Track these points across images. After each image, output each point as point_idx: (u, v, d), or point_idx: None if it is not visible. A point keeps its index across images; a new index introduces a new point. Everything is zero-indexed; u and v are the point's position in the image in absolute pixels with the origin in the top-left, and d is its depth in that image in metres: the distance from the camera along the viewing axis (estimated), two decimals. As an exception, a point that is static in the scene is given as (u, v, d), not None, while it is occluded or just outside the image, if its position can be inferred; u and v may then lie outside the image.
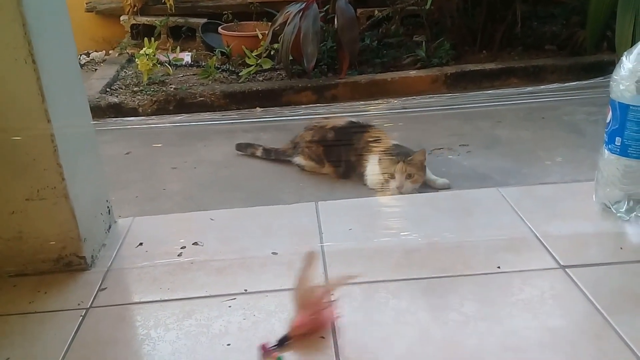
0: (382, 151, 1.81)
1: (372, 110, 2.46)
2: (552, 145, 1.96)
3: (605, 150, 1.21)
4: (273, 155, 2.11)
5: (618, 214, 1.22)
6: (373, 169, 1.80)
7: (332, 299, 0.96)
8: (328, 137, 1.95)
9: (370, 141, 1.88)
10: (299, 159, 2.02)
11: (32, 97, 1.01)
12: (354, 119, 2.02)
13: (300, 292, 0.96)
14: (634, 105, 1.14)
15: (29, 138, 1.04)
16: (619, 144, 1.17)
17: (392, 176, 1.74)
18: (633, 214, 1.20)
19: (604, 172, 1.23)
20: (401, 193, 1.71)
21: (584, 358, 0.85)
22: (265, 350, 0.88)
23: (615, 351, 0.86)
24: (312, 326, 0.93)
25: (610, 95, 1.18)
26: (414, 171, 1.71)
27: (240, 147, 2.22)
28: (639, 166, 1.17)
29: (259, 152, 2.14)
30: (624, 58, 1.16)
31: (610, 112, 1.19)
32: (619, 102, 1.16)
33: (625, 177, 1.19)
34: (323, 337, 0.92)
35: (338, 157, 1.93)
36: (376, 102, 2.66)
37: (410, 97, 2.64)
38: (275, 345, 0.89)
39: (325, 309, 0.94)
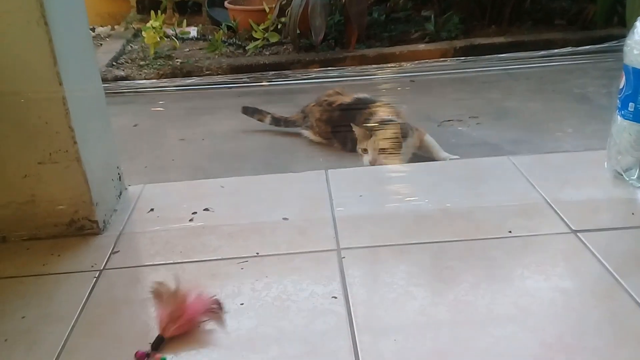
0: (370, 126, 1.78)
1: (380, 75, 2.44)
2: (562, 117, 1.95)
3: (618, 117, 1.21)
4: (282, 124, 2.09)
5: (630, 181, 1.21)
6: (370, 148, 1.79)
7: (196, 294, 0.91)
8: (334, 117, 1.94)
9: (368, 117, 1.87)
10: (308, 133, 2.02)
11: (44, 60, 1.01)
12: (361, 95, 2.00)
13: (159, 294, 0.91)
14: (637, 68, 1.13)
15: (41, 101, 1.04)
16: (632, 110, 1.16)
17: (366, 150, 1.72)
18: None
19: (616, 138, 1.22)
20: (377, 164, 1.69)
21: (596, 317, 0.85)
22: (140, 356, 0.82)
23: (626, 310, 0.86)
24: (182, 322, 0.86)
25: (623, 60, 1.17)
26: (387, 145, 1.69)
27: (247, 111, 2.17)
28: (630, 127, 1.16)
29: (267, 120, 2.12)
30: (638, 23, 1.15)
31: (624, 77, 1.18)
32: (632, 67, 1.15)
33: (638, 143, 1.18)
34: (218, 314, 0.89)
35: (344, 134, 1.92)
36: (387, 65, 2.63)
37: (422, 61, 2.61)
38: (150, 351, 0.83)
39: (188, 302, 0.89)
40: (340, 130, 1.90)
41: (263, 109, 2.16)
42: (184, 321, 0.87)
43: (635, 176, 1.21)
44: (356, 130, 1.76)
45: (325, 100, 2.02)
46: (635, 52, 1.13)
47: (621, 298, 0.89)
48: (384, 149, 1.69)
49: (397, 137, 1.70)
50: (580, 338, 0.81)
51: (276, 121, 2.11)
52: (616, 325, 0.84)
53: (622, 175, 1.23)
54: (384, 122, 1.77)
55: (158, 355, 0.83)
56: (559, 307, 0.88)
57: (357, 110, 1.92)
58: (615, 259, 0.98)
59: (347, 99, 1.98)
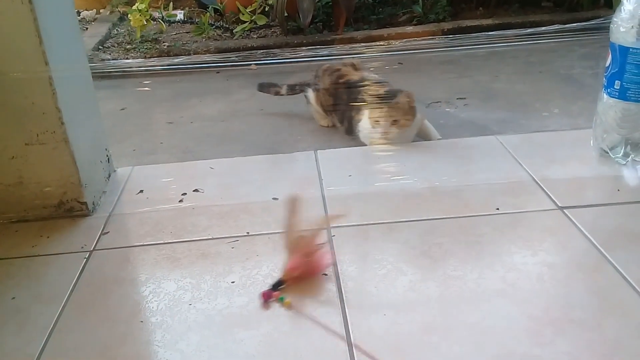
0: (372, 101, 1.71)
1: (369, 53, 2.43)
2: (549, 98, 1.96)
3: (604, 95, 1.22)
4: (298, 89, 2.05)
5: (615, 159, 1.23)
6: (363, 122, 1.76)
7: (323, 242, 0.97)
8: (339, 91, 1.90)
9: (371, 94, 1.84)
10: (311, 96, 1.98)
11: (29, 39, 1.00)
12: (371, 75, 1.95)
13: (290, 237, 0.96)
14: (634, 48, 1.13)
15: (27, 81, 1.04)
16: (618, 88, 1.18)
17: (378, 122, 1.60)
18: (630, 158, 1.22)
19: (602, 117, 1.24)
20: (389, 140, 1.64)
21: (582, 290, 0.87)
22: (265, 295, 0.89)
23: (612, 283, 0.88)
24: (305, 269, 0.93)
25: (610, 38, 1.18)
26: (400, 116, 1.57)
27: (263, 87, 2.13)
28: (637, 109, 1.17)
29: (283, 90, 2.10)
30: (624, 1, 1.16)
31: (610, 55, 1.19)
32: (619, 45, 1.16)
33: (624, 121, 1.20)
34: (326, 274, 0.93)
35: (342, 113, 1.90)
36: (376, 44, 2.62)
37: (410, 39, 2.60)
38: (271, 289, 0.90)
39: (317, 251, 0.95)
40: (341, 107, 1.86)
41: (277, 82, 2.13)
42: (305, 271, 0.92)
43: (621, 154, 1.22)
44: (368, 98, 1.67)
45: (338, 70, 1.93)
46: (622, 29, 1.14)
47: (607, 271, 0.90)
48: (397, 120, 1.56)
49: (411, 105, 1.58)
50: (566, 311, 0.83)
51: (292, 88, 2.07)
52: (602, 298, 0.85)
53: (607, 153, 1.24)
54: (392, 92, 1.71)
55: (277, 294, 0.88)
56: (546, 282, 0.89)
57: (360, 89, 1.88)
58: (601, 234, 0.99)
59: (355, 76, 1.92)
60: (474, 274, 0.91)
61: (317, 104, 1.94)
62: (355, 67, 1.94)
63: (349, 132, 1.86)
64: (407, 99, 1.56)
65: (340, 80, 1.88)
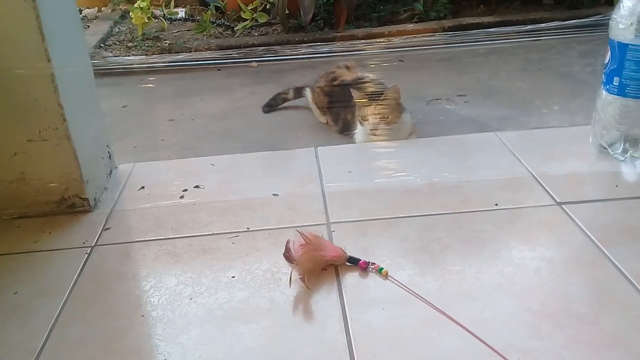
0: (371, 92, 1.71)
1: (369, 50, 2.44)
2: (549, 95, 1.97)
3: (603, 91, 1.22)
4: (304, 93, 2.10)
5: (614, 155, 1.23)
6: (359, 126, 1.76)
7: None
8: (334, 92, 1.93)
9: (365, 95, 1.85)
10: (309, 95, 2.02)
11: (31, 36, 1.00)
12: (365, 75, 1.97)
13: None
14: (632, 45, 1.14)
15: (29, 78, 1.04)
16: (617, 84, 1.18)
17: (366, 119, 1.63)
18: (628, 154, 1.22)
19: (601, 113, 1.24)
20: (379, 137, 1.61)
21: (580, 285, 0.88)
22: (364, 265, 0.92)
23: (609, 278, 0.88)
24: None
25: (609, 35, 1.18)
26: (387, 112, 1.59)
27: (269, 106, 2.14)
28: (636, 106, 1.18)
29: (290, 94, 2.13)
30: (624, -2, 1.16)
31: (609, 52, 1.19)
32: (617, 42, 1.16)
33: (622, 118, 1.20)
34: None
35: (337, 114, 1.92)
36: (376, 41, 2.63)
37: (410, 36, 2.61)
38: (360, 261, 0.93)
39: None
40: (335, 106, 1.89)
41: (280, 91, 2.15)
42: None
43: (620, 150, 1.23)
44: (356, 95, 1.68)
45: (333, 72, 2.00)
46: (621, 26, 1.14)
47: (604, 266, 0.91)
48: (385, 116, 1.60)
49: (398, 102, 1.62)
50: (564, 305, 0.83)
51: (299, 91, 2.11)
52: (599, 292, 0.86)
53: (606, 149, 1.25)
54: (376, 86, 1.72)
55: (377, 265, 0.92)
56: (544, 276, 0.90)
57: (356, 88, 1.91)
58: (599, 229, 1.00)
59: (348, 77, 1.95)
60: (473, 269, 0.92)
61: (314, 102, 1.99)
62: (348, 69, 1.96)
63: (342, 132, 1.88)
64: (394, 95, 1.58)
65: (335, 82, 1.92)
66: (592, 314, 0.82)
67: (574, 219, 1.03)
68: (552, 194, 1.11)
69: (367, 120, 1.61)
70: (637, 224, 1.01)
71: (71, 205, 1.16)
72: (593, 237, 0.98)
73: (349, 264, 0.94)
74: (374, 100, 1.62)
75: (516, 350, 0.76)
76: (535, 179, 1.17)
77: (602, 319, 0.80)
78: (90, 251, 1.04)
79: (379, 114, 1.58)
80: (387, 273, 0.91)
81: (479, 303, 0.85)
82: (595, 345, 0.76)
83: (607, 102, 1.22)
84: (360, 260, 0.93)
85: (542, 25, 2.60)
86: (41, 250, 1.05)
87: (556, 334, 0.78)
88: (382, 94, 1.61)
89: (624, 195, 1.10)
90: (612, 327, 0.79)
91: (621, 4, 1.15)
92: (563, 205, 1.08)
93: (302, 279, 0.90)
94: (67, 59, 1.10)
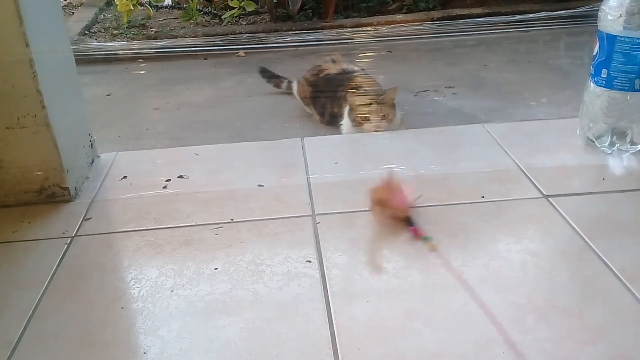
0: (355, 95, 1.75)
1: (357, 39, 2.42)
2: (537, 87, 1.97)
3: (591, 83, 1.22)
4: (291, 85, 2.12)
5: (601, 148, 1.23)
6: (346, 118, 1.76)
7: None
8: (318, 84, 1.93)
9: (351, 89, 1.85)
10: (295, 87, 2.02)
11: (9, 20, 0.98)
12: (346, 66, 1.99)
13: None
14: (621, 37, 1.13)
15: (7, 63, 1.01)
16: (605, 76, 1.17)
17: (367, 119, 1.68)
18: (616, 147, 1.22)
19: (588, 105, 1.24)
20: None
21: (565, 278, 0.87)
22: (414, 230, 0.96)
23: (595, 271, 0.88)
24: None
25: (597, 26, 1.18)
26: (388, 110, 1.66)
27: (265, 74, 2.20)
28: (623, 98, 1.17)
29: (283, 85, 2.15)
30: (613, -12, 1.15)
31: (597, 43, 1.18)
32: (606, 33, 1.15)
33: (610, 110, 1.20)
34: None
35: (323, 106, 1.91)
36: (364, 29, 2.61)
37: (398, 25, 2.60)
38: (412, 226, 0.97)
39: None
40: (318, 97, 1.89)
41: (280, 75, 2.16)
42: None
43: (607, 143, 1.22)
44: (352, 99, 1.73)
45: (319, 66, 2.01)
46: (610, 17, 1.14)
47: (590, 259, 0.90)
48: (385, 115, 1.66)
49: (394, 102, 1.68)
50: (549, 298, 0.83)
51: (290, 87, 2.11)
52: (585, 285, 0.85)
53: (593, 142, 1.24)
54: (366, 80, 1.76)
55: (423, 232, 0.96)
56: (529, 269, 0.89)
57: (340, 81, 1.90)
58: (585, 222, 0.99)
59: (333, 69, 1.97)
60: (458, 262, 0.91)
61: (299, 95, 2.01)
62: (334, 61, 1.98)
63: (329, 124, 1.87)
64: (394, 96, 1.61)
65: (321, 75, 1.91)
66: (576, 307, 0.81)
67: (560, 212, 1.03)
68: (539, 187, 1.11)
69: (369, 120, 1.65)
70: (623, 218, 1.01)
71: (51, 195, 1.13)
72: (579, 230, 0.97)
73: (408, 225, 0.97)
74: (374, 99, 1.65)
75: (500, 344, 0.75)
76: (522, 171, 1.17)
77: (587, 313, 0.80)
78: (70, 242, 1.02)
79: (381, 112, 1.63)
80: (434, 246, 0.93)
81: (464, 296, 0.84)
82: (579, 339, 0.76)
83: (595, 95, 1.21)
84: (413, 226, 0.97)
85: (531, 16, 2.60)
86: (19, 241, 1.03)
87: (540, 327, 0.78)
88: (378, 94, 1.65)
89: (611, 189, 1.10)
90: (596, 321, 0.78)
91: (610, -4, 1.14)
92: (550, 198, 1.07)
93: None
94: (47, 44, 1.07)
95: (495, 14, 2.97)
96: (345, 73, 1.90)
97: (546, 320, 0.79)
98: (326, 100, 1.88)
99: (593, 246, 0.93)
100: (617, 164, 1.19)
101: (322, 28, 2.89)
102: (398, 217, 1.00)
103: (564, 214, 1.02)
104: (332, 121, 1.86)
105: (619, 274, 0.87)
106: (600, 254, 0.91)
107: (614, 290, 0.84)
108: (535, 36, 2.65)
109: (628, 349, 0.74)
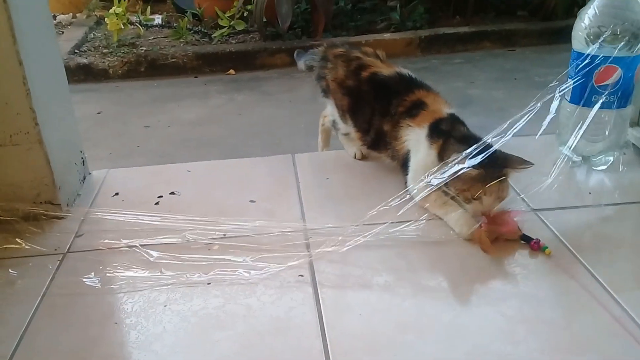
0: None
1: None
2: (524, 104, 1.99)
3: (565, 100, 1.25)
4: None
5: (586, 163, 1.25)
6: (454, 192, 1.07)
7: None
8: (362, 90, 1.28)
9: (413, 107, 1.20)
10: (329, 100, 1.37)
11: (3, 38, 0.99)
12: (404, 70, 1.29)
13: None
14: (586, 54, 1.17)
15: (0, 81, 1.02)
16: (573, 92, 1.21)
17: (475, 197, 1.04)
18: (600, 162, 1.24)
19: (564, 122, 1.26)
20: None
21: (553, 289, 0.89)
22: (535, 245, 0.97)
23: (582, 283, 0.89)
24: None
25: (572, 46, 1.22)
26: (506, 189, 1.07)
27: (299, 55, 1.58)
28: (574, 110, 1.22)
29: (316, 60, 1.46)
30: (581, 12, 1.21)
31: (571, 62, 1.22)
32: (576, 51, 1.20)
33: (574, 124, 1.21)
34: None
35: (368, 120, 1.27)
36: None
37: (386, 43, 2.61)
38: (532, 241, 0.98)
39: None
40: (362, 105, 1.28)
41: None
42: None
43: (595, 159, 1.24)
44: (471, 172, 1.03)
45: (358, 59, 1.31)
46: (579, 34, 1.18)
47: (577, 272, 0.92)
48: (501, 197, 1.06)
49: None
50: (538, 310, 0.84)
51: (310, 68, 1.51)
52: (572, 298, 0.87)
53: (579, 157, 1.26)
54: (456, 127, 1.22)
55: (542, 243, 0.98)
56: (518, 282, 0.90)
57: (396, 91, 1.24)
58: (573, 235, 1.01)
59: (385, 70, 1.29)
60: (449, 275, 0.92)
61: (335, 108, 1.36)
62: (379, 57, 1.34)
63: (373, 147, 1.29)
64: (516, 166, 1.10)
65: (364, 73, 1.28)
66: (564, 320, 0.83)
67: (548, 225, 1.04)
68: (527, 201, 1.12)
69: (479, 199, 1.04)
70: (610, 231, 1.03)
71: (43, 211, 1.14)
72: (567, 243, 0.99)
73: (522, 241, 1.00)
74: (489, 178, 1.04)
75: (491, 355, 0.76)
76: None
77: (574, 324, 0.82)
78: (63, 258, 1.02)
79: (497, 195, 1.05)
80: (550, 252, 0.96)
81: (455, 308, 0.85)
82: (567, 350, 0.77)
83: (570, 112, 1.24)
84: (533, 240, 0.98)
85: (517, 35, 2.65)
86: (12, 257, 1.03)
87: (530, 339, 0.79)
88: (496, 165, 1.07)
89: (597, 202, 1.12)
90: (583, 332, 0.80)
91: (580, 17, 1.19)
92: (537, 212, 1.09)
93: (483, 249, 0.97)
94: (40, 62, 1.08)
95: (481, 33, 3.02)
96: (403, 80, 1.26)
97: (536, 332, 0.80)
98: (374, 112, 1.26)
99: (580, 258, 0.95)
100: (603, 178, 1.21)
101: (311, 46, 2.92)
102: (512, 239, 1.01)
103: (551, 227, 1.04)
104: (375, 143, 1.29)
105: (606, 286, 0.88)
106: (587, 265, 0.93)
107: (601, 302, 0.85)
108: (520, 54, 2.70)
109: None
